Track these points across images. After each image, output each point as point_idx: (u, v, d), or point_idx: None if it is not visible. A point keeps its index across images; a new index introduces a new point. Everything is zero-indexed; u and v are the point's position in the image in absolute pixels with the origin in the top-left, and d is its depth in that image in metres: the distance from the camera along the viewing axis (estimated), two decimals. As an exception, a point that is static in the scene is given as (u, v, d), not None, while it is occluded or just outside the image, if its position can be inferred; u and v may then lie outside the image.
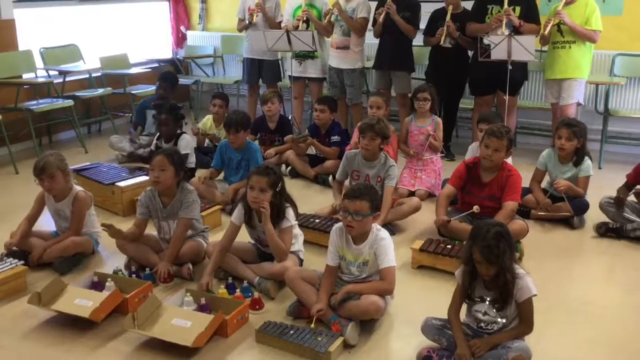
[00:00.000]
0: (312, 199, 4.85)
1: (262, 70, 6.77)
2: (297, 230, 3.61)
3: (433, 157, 5.12)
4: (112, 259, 3.63)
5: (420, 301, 3.36)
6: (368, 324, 3.08)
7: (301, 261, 3.58)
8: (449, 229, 3.94)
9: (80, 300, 3.14)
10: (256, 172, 3.42)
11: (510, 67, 5.23)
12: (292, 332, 2.95)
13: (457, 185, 4.07)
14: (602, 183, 4.78)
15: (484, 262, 2.60)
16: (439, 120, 5.17)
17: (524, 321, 2.69)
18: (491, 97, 5.89)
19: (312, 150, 5.54)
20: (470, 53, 5.91)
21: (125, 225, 3.82)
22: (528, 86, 6.42)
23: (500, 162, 3.95)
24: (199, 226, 3.78)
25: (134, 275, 3.53)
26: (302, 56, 6.35)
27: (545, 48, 5.73)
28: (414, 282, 3.61)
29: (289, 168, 5.49)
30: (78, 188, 3.85)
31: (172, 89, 6.18)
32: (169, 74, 6.53)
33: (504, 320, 2.72)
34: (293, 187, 5.00)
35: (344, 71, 6.20)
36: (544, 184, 4.58)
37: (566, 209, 4.32)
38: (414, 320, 2.99)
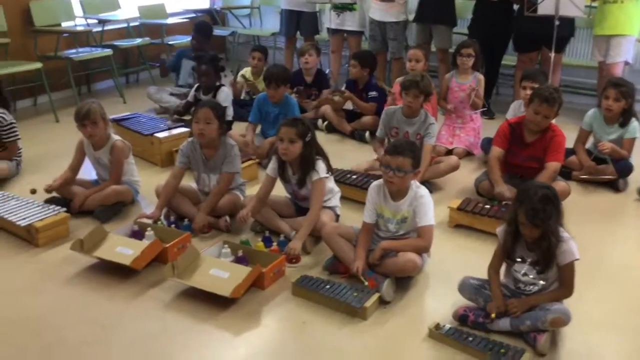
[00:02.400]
0: (348, 155, 4.82)
1: (300, 22, 6.67)
2: (333, 186, 3.60)
3: (473, 114, 5.01)
4: (151, 208, 3.68)
5: (456, 260, 3.34)
6: (404, 281, 3.08)
7: (337, 217, 3.58)
8: (489, 188, 3.88)
9: (121, 248, 3.20)
10: (284, 123, 3.43)
11: (557, 22, 5.04)
12: (328, 286, 2.97)
13: (503, 145, 3.96)
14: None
15: (529, 224, 2.55)
16: (481, 77, 5.04)
17: (565, 285, 2.66)
18: (536, 54, 5.72)
19: (349, 106, 5.48)
20: (515, 7, 5.71)
21: (164, 176, 3.86)
22: (574, 43, 6.20)
23: (547, 125, 3.84)
24: (238, 180, 3.80)
25: (172, 226, 3.58)
26: (341, 8, 6.22)
27: (595, 3, 5.51)
28: (451, 241, 3.58)
29: (325, 123, 5.45)
30: (116, 137, 3.89)
31: (206, 40, 6.13)
32: (203, 24, 6.43)
33: (543, 282, 2.69)
34: (329, 142, 4.98)
35: (387, 24, 6.07)
36: (588, 145, 4.47)
37: (610, 172, 4.22)
38: (450, 279, 2.97)
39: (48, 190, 3.77)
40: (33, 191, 3.64)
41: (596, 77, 5.80)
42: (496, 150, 3.99)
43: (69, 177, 3.83)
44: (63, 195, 3.81)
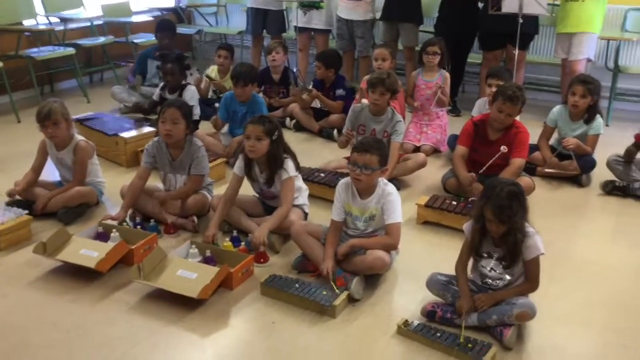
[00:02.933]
0: (316, 153, 4.81)
1: (266, 21, 6.63)
2: (301, 184, 3.59)
3: (439, 111, 5.05)
4: (116, 210, 3.61)
5: (424, 257, 3.36)
6: (373, 278, 3.08)
7: (306, 215, 3.57)
8: (455, 185, 3.92)
9: (85, 250, 3.14)
10: (251, 121, 3.41)
11: (521, 20, 5.11)
12: (297, 285, 2.96)
13: (468, 144, 4.00)
14: (610, 141, 4.72)
15: (495, 221, 2.58)
16: (447, 74, 5.08)
17: (530, 279, 2.69)
18: (500, 52, 5.79)
19: (316, 104, 5.47)
20: (480, 5, 5.77)
21: (129, 176, 3.80)
22: (538, 41, 6.30)
23: (510, 123, 3.88)
24: (205, 180, 3.76)
25: (138, 227, 3.52)
26: (308, 6, 6.20)
27: (557, 2, 5.60)
28: (419, 238, 3.60)
29: (293, 121, 5.44)
30: (79, 137, 3.82)
31: (173, 36, 6.06)
32: (167, 22, 6.33)
33: (509, 277, 2.72)
34: (297, 140, 4.97)
35: (355, 22, 6.08)
36: (552, 141, 4.53)
37: (573, 167, 4.29)
38: (418, 276, 2.99)
39: (11, 195, 3.68)
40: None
41: (559, 74, 5.89)
42: (460, 149, 4.02)
43: (32, 179, 3.75)
44: (25, 197, 3.72)
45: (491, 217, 2.59)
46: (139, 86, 5.84)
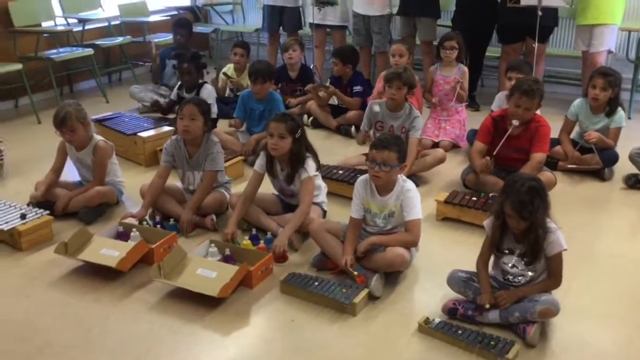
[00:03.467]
0: (334, 150, 4.80)
1: (283, 18, 6.63)
2: (320, 182, 3.58)
3: (458, 106, 5.01)
4: (136, 209, 3.63)
5: (444, 254, 3.33)
6: (393, 276, 3.07)
7: (325, 213, 3.56)
8: (475, 181, 3.89)
9: (106, 250, 3.15)
10: (275, 119, 3.40)
11: (540, 13, 5.04)
12: (316, 283, 2.95)
13: (486, 140, 3.96)
14: (632, 134, 4.66)
15: (516, 217, 2.55)
16: (465, 69, 5.03)
17: (553, 275, 2.66)
18: (520, 45, 5.72)
19: (334, 101, 5.45)
20: (498, -2, 5.71)
21: (149, 176, 3.81)
22: (557, 33, 6.22)
23: (530, 118, 3.84)
24: (222, 178, 3.77)
25: (158, 226, 3.54)
26: (322, 3, 6.18)
27: (577, -7, 5.52)
28: (439, 235, 3.58)
29: (311, 119, 5.43)
30: (98, 138, 3.84)
31: (189, 35, 6.08)
32: (184, 20, 6.37)
33: (532, 274, 2.69)
34: (315, 137, 4.91)
35: (371, 18, 6.04)
36: (573, 135, 4.47)
37: (595, 161, 4.23)
38: (438, 273, 2.97)
39: (34, 199, 3.70)
40: (23, 216, 3.52)
41: (580, 67, 5.81)
42: (478, 145, 3.99)
43: (52, 180, 3.77)
44: (46, 198, 3.75)
45: (511, 213, 2.55)
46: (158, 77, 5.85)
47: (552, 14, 5.43)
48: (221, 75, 5.79)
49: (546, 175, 3.82)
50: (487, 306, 2.64)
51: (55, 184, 3.79)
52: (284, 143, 3.33)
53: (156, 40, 6.85)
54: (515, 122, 3.76)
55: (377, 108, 4.18)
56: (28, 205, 3.64)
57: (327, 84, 5.39)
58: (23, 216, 3.45)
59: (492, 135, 3.95)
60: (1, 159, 4.35)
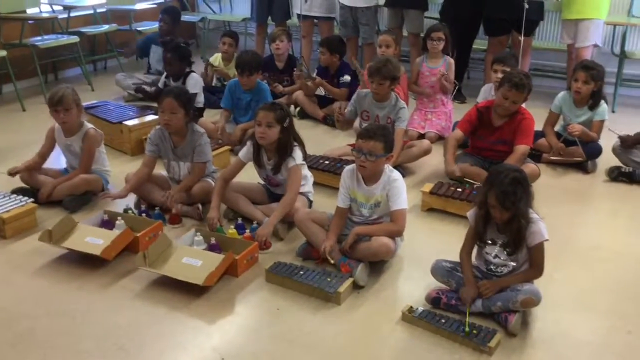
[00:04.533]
0: (320, 140, 4.81)
1: (271, 8, 6.60)
2: (306, 172, 3.59)
3: (444, 98, 5.03)
4: (115, 191, 3.63)
5: (429, 244, 3.36)
6: (377, 265, 3.09)
7: (310, 203, 3.57)
8: (461, 172, 3.92)
9: (91, 238, 3.15)
10: (263, 108, 3.41)
11: (526, 6, 5.07)
12: (301, 272, 2.96)
13: (467, 130, 4.01)
14: (616, 127, 4.68)
15: (498, 207, 2.57)
16: (452, 61, 5.05)
17: (534, 265, 2.69)
18: (506, 38, 5.74)
19: (321, 91, 5.45)
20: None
21: (134, 164, 3.80)
22: (543, 26, 6.26)
23: (515, 110, 3.87)
24: (209, 167, 3.77)
25: (143, 214, 3.53)
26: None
27: (563, -13, 5.56)
28: (424, 225, 3.60)
29: (297, 109, 5.43)
30: (89, 125, 3.82)
31: (175, 23, 6.05)
32: (171, 8, 6.36)
33: (514, 264, 2.72)
34: (301, 127, 4.90)
35: (359, 9, 6.04)
36: (557, 127, 4.51)
37: (579, 153, 4.27)
38: (423, 263, 2.99)
39: (11, 173, 3.69)
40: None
41: (565, 60, 5.86)
42: (457, 133, 4.04)
43: (37, 163, 3.77)
44: (31, 185, 3.74)
45: (495, 204, 2.58)
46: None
47: (538, 7, 5.45)
48: (208, 65, 5.76)
49: (530, 167, 3.86)
50: (468, 311, 2.65)
51: (39, 168, 3.78)
52: (272, 132, 3.33)
53: (141, 28, 6.81)
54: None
55: (352, 108, 4.21)
56: (12, 192, 3.61)
57: (314, 74, 5.38)
58: None
59: (474, 126, 3.98)
60: (-15, 147, 4.32)
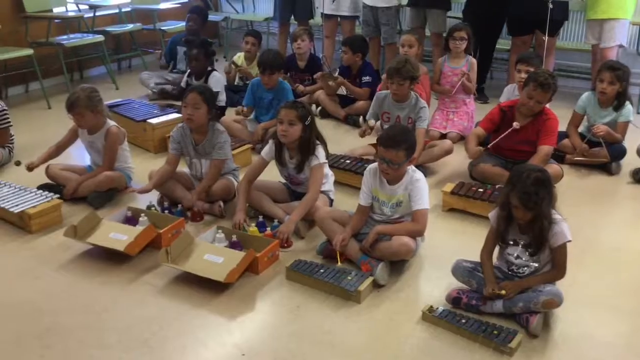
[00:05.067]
0: (342, 140, 4.82)
1: (295, 7, 6.62)
2: (327, 170, 3.60)
3: (466, 98, 5.01)
4: (145, 195, 3.67)
5: (450, 244, 3.35)
6: (398, 264, 3.09)
7: (331, 201, 3.58)
8: (482, 172, 3.90)
9: (115, 234, 3.19)
10: (285, 106, 3.43)
11: (551, 5, 5.04)
12: (322, 270, 2.98)
13: (488, 128, 3.99)
14: (640, 128, 4.65)
15: (521, 207, 2.56)
16: (474, 61, 5.03)
17: (557, 266, 2.67)
18: (529, 38, 5.70)
19: (342, 91, 5.46)
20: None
21: (157, 162, 3.84)
22: (568, 26, 6.20)
23: (539, 110, 3.84)
24: (230, 165, 3.80)
25: (166, 211, 3.57)
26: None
27: (588, -14, 5.50)
28: (444, 225, 3.59)
29: (319, 108, 5.44)
30: (111, 123, 3.88)
31: (202, 22, 6.11)
32: (198, 7, 6.44)
33: (536, 265, 2.71)
34: (323, 127, 4.92)
35: (379, 9, 6.03)
36: (581, 128, 4.47)
37: (603, 155, 4.23)
38: (443, 263, 2.99)
39: (30, 168, 3.76)
40: (17, 163, 3.55)
41: (589, 61, 5.80)
42: (478, 129, 4.04)
43: (52, 153, 3.85)
44: (56, 182, 3.80)
45: (517, 204, 2.57)
46: (165, 67, 5.92)
47: (562, 7, 5.40)
48: (231, 64, 5.80)
49: (553, 167, 3.83)
50: (503, 292, 2.64)
51: (54, 157, 3.85)
52: (294, 130, 3.35)
53: (165, 28, 6.87)
54: (516, 125, 3.77)
55: (384, 93, 4.20)
56: (39, 188, 3.68)
57: (336, 74, 5.39)
58: (18, 163, 3.49)
59: (496, 124, 3.96)
60: (11, 143, 4.39)
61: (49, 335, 2.61)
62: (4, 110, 4.30)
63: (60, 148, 3.89)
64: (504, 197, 2.65)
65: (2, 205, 3.45)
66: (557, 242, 2.62)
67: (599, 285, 3.00)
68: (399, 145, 2.97)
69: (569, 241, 2.63)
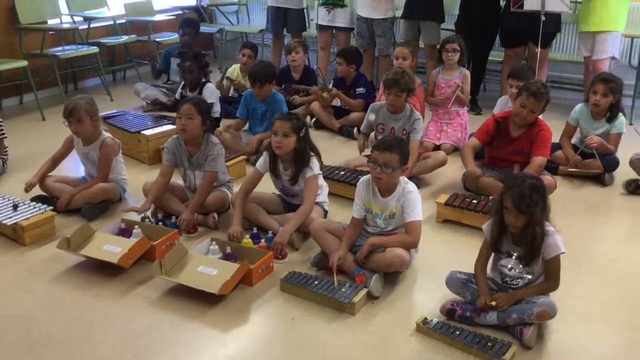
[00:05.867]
0: (336, 151, 4.82)
1: (287, 19, 6.65)
2: (322, 182, 3.60)
3: (460, 110, 5.03)
4: (137, 205, 3.66)
5: (444, 255, 3.35)
6: (392, 276, 3.09)
7: (326, 213, 3.59)
8: (478, 183, 3.91)
9: (108, 246, 3.18)
10: (279, 117, 3.44)
11: (543, 18, 5.07)
12: (316, 282, 2.97)
13: (483, 139, 4.01)
14: (633, 139, 4.65)
15: (514, 210, 2.56)
16: (467, 72, 5.06)
17: (551, 278, 2.68)
18: (522, 49, 5.75)
19: (337, 102, 5.48)
20: (502, 3, 5.74)
21: (151, 173, 3.84)
22: (560, 38, 6.25)
23: (533, 120, 3.86)
24: (224, 177, 3.79)
25: (160, 223, 3.56)
26: (331, 4, 6.21)
27: (580, -1, 5.55)
28: (439, 237, 3.60)
29: (313, 119, 5.45)
30: (106, 134, 3.88)
31: (196, 35, 6.14)
32: (191, 20, 6.46)
33: (530, 276, 2.71)
34: (317, 138, 4.92)
35: (375, 21, 6.06)
36: (574, 140, 4.50)
37: (596, 166, 4.25)
38: (437, 274, 2.99)
39: (27, 189, 3.73)
40: (15, 207, 3.54)
41: (582, 72, 5.83)
42: (473, 141, 4.05)
43: (48, 168, 3.83)
44: (49, 193, 3.79)
45: (510, 206, 2.57)
46: (158, 76, 5.97)
47: (554, 19, 5.45)
48: (225, 78, 5.80)
49: (547, 178, 3.83)
50: (493, 303, 2.65)
51: (49, 173, 3.83)
52: (288, 142, 3.35)
53: (160, 39, 6.89)
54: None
55: (372, 117, 4.21)
56: (32, 200, 3.67)
57: (330, 85, 5.41)
58: (15, 207, 3.49)
59: (490, 135, 3.99)
60: (5, 154, 4.38)
61: (40, 347, 2.59)
62: (-1, 122, 4.29)
63: (55, 162, 3.88)
64: (498, 200, 2.65)
65: (-5, 217, 3.44)
66: (551, 254, 2.62)
67: (593, 297, 3.01)
68: (393, 149, 2.99)
69: (563, 253, 2.63)
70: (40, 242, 3.43)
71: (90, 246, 3.22)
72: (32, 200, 3.69)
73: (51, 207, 3.58)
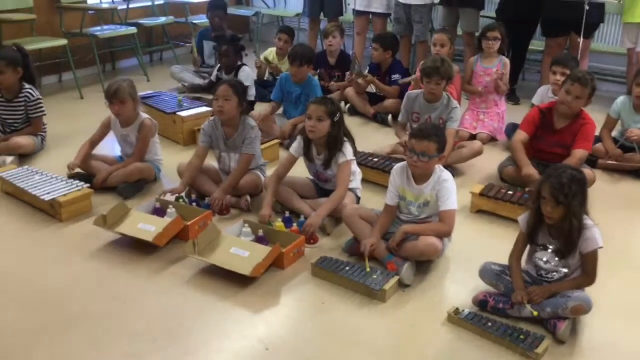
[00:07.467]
0: (370, 137, 4.79)
1: (324, 4, 6.61)
2: (355, 168, 3.59)
3: (497, 99, 4.95)
4: (173, 186, 3.70)
5: (477, 246, 3.31)
6: (424, 264, 3.07)
7: (358, 199, 3.57)
8: (512, 174, 3.86)
9: (143, 224, 3.22)
10: (314, 101, 3.43)
11: (587, 7, 4.95)
12: (347, 268, 2.97)
13: (530, 131, 3.91)
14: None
15: (551, 200, 2.50)
16: (507, 61, 4.96)
17: (587, 273, 2.63)
18: (564, 39, 5.61)
19: (371, 88, 5.44)
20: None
21: (186, 154, 3.87)
22: (603, 29, 6.09)
23: (578, 109, 3.78)
24: (258, 160, 3.80)
25: (194, 204, 3.59)
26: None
27: (626, -12, 5.39)
28: (472, 227, 3.56)
29: (348, 105, 5.42)
30: (145, 115, 3.92)
31: (224, 15, 6.11)
32: (216, 1, 6.36)
33: (565, 270, 2.66)
34: (351, 124, 4.89)
35: (412, 6, 5.99)
36: (614, 133, 4.40)
37: (636, 160, 4.16)
38: (470, 264, 2.96)
39: (70, 168, 3.81)
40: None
41: (625, 64, 5.69)
42: (521, 134, 3.94)
43: (87, 151, 3.88)
44: (86, 171, 3.85)
45: (548, 195, 2.51)
46: (197, 61, 5.93)
47: (598, 9, 5.32)
48: (262, 59, 5.81)
49: (586, 171, 3.72)
50: (526, 302, 2.62)
51: (90, 155, 3.89)
52: (322, 126, 3.34)
53: (197, 21, 6.91)
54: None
55: (415, 93, 4.16)
56: (69, 177, 3.73)
57: (366, 71, 5.37)
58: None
59: (536, 126, 3.90)
60: (44, 131, 4.46)
61: (75, 322, 2.65)
62: (39, 99, 4.36)
63: (93, 144, 3.93)
64: (536, 190, 2.60)
65: (34, 193, 3.50)
66: (588, 248, 2.57)
67: (629, 293, 2.95)
68: (430, 137, 2.95)
69: (600, 247, 2.58)
70: (77, 219, 3.49)
71: (125, 224, 3.27)
72: (70, 177, 3.75)
73: (88, 184, 3.64)
